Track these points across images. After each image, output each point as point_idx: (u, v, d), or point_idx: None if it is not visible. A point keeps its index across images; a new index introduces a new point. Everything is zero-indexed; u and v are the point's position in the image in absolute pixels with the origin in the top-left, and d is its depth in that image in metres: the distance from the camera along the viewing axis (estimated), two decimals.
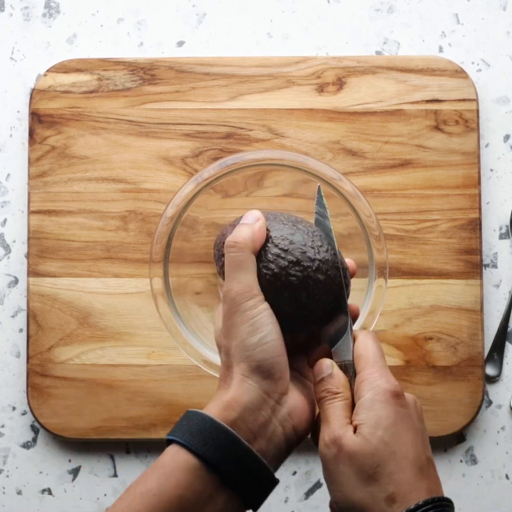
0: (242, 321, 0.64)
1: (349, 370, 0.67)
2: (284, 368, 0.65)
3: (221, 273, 0.72)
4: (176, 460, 0.62)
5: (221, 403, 0.63)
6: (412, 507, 0.60)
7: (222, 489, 0.62)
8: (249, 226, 0.67)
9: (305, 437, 0.67)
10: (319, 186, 0.72)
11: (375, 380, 0.64)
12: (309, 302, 0.67)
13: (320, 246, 0.68)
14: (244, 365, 0.64)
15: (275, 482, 0.64)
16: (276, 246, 0.67)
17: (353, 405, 0.65)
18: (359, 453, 0.62)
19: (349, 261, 0.72)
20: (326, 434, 0.63)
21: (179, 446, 0.62)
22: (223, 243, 0.70)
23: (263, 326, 0.64)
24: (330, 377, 0.65)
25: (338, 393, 0.65)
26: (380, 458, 0.61)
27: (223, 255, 0.69)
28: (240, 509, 0.63)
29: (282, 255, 0.67)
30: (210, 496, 0.61)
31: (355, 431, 0.63)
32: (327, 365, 0.66)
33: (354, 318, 0.70)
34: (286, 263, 0.66)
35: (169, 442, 0.64)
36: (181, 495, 0.61)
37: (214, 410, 0.63)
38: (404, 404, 0.64)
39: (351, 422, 0.63)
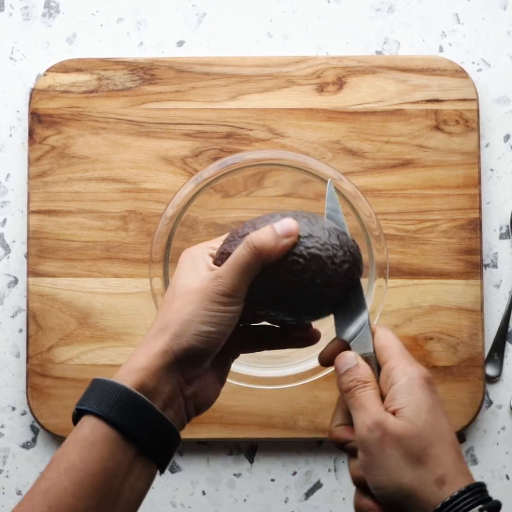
0: (208, 306, 0.63)
1: (371, 362, 0.67)
2: (210, 356, 0.65)
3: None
4: (96, 433, 0.61)
5: (137, 371, 0.63)
6: (463, 488, 0.60)
7: (139, 456, 0.62)
8: (277, 238, 0.64)
9: (203, 412, 0.68)
10: (329, 181, 0.71)
11: (406, 367, 0.64)
12: (324, 285, 0.66)
13: (339, 240, 0.67)
14: (177, 341, 0.63)
15: (180, 442, 0.65)
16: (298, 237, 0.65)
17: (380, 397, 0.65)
18: (406, 435, 0.61)
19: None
20: (366, 418, 0.63)
21: (97, 418, 0.62)
22: (228, 239, 0.68)
23: (219, 325, 0.63)
24: (357, 367, 0.65)
25: (367, 382, 0.65)
26: (427, 440, 0.61)
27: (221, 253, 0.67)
28: (154, 473, 0.64)
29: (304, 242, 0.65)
30: (130, 465, 0.62)
31: (394, 414, 0.63)
32: (351, 356, 0.66)
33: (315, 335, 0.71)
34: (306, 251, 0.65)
35: (80, 411, 0.63)
36: (105, 467, 0.61)
37: (127, 377, 0.63)
38: (436, 390, 0.64)
39: (385, 409, 0.63)
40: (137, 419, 0.62)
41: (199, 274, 0.65)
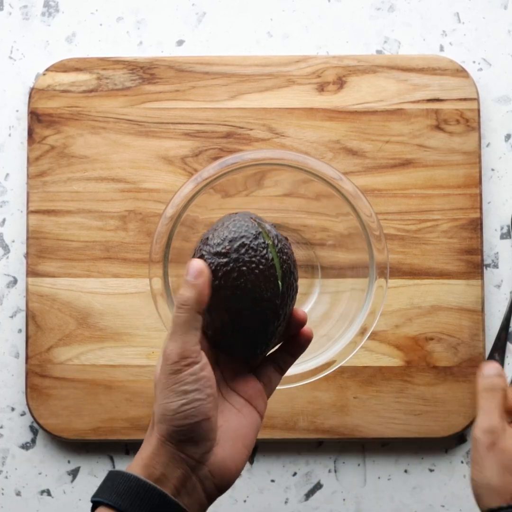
0: (167, 383, 0.63)
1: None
2: (208, 430, 0.64)
3: None
4: None
5: (142, 461, 0.64)
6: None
7: None
8: (194, 286, 0.63)
9: (227, 489, 0.67)
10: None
11: None
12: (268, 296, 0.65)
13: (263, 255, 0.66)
14: (162, 426, 0.64)
15: None
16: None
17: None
18: (510, 451, 0.68)
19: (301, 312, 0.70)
20: (485, 422, 0.70)
21: (108, 508, 0.63)
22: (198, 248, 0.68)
23: (185, 393, 0.63)
24: (498, 376, 0.71)
25: (501, 391, 0.71)
26: None
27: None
28: None
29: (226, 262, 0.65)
30: None
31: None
32: (497, 366, 0.72)
33: (300, 323, 0.68)
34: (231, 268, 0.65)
35: (96, 504, 0.64)
36: None
37: (137, 468, 0.64)
38: None
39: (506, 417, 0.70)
40: (148, 506, 0.62)
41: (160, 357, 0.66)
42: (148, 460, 0.64)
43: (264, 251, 0.66)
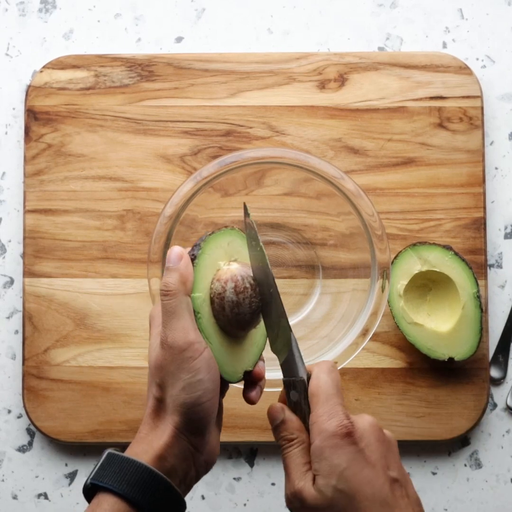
0: (179, 374, 0.63)
1: (298, 388, 0.66)
2: (213, 424, 0.66)
3: None
4: None
5: (154, 451, 0.64)
6: None
7: None
8: (176, 269, 0.65)
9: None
10: (245, 204, 0.70)
11: (323, 423, 0.63)
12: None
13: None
14: (178, 419, 0.64)
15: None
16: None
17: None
18: (319, 506, 0.62)
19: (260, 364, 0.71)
20: (287, 489, 0.64)
21: (117, 496, 0.62)
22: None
23: (199, 384, 0.63)
24: (283, 424, 0.66)
25: (293, 440, 0.65)
26: (339, 507, 0.62)
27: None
28: None
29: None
30: None
31: (314, 480, 0.63)
32: (278, 410, 0.67)
33: (258, 378, 0.69)
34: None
35: (94, 486, 0.64)
36: None
37: (146, 457, 0.64)
38: (355, 440, 0.63)
39: (310, 468, 0.64)
40: (157, 498, 0.63)
41: (154, 349, 0.66)
42: (162, 451, 0.64)
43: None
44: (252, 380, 0.69)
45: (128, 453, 0.64)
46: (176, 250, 0.66)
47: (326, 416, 0.63)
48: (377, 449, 0.63)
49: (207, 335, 0.66)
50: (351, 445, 0.62)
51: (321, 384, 0.65)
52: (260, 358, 0.70)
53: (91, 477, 0.64)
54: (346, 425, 0.63)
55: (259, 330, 0.70)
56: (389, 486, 0.62)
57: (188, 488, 0.67)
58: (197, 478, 0.67)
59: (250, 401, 0.69)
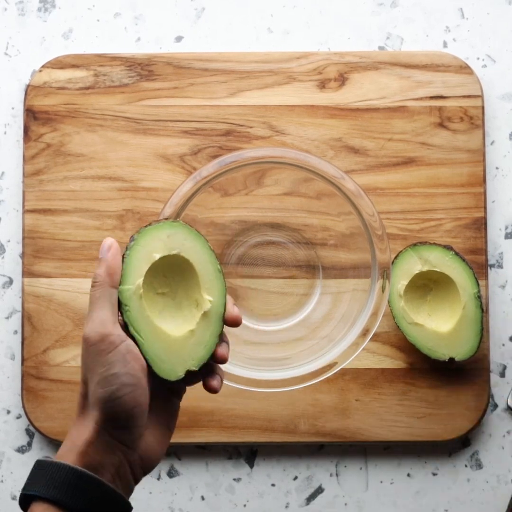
0: (94, 367, 0.63)
1: None
2: (140, 417, 0.64)
3: None
4: None
5: (77, 448, 0.63)
6: None
7: None
8: (103, 260, 0.65)
9: (152, 470, 0.68)
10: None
11: None
12: None
13: None
14: (97, 414, 0.63)
15: (131, 509, 0.65)
16: None
17: None
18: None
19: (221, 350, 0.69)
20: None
21: (47, 502, 0.61)
22: None
23: (114, 378, 0.62)
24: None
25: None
26: None
27: None
28: None
29: None
30: None
31: None
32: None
33: (220, 360, 0.68)
34: None
35: (27, 497, 0.63)
36: None
37: (71, 456, 0.63)
38: None
39: None
40: (88, 497, 0.61)
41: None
42: (85, 447, 0.63)
43: None
44: (215, 362, 0.67)
45: (57, 455, 0.63)
46: (107, 241, 0.66)
47: None
48: None
49: (137, 329, 0.65)
50: None
51: None
52: (223, 339, 0.68)
53: (22, 489, 0.63)
54: None
55: (209, 330, 0.68)
56: None
57: (126, 484, 0.65)
58: (134, 475, 0.65)
59: (211, 389, 0.67)
